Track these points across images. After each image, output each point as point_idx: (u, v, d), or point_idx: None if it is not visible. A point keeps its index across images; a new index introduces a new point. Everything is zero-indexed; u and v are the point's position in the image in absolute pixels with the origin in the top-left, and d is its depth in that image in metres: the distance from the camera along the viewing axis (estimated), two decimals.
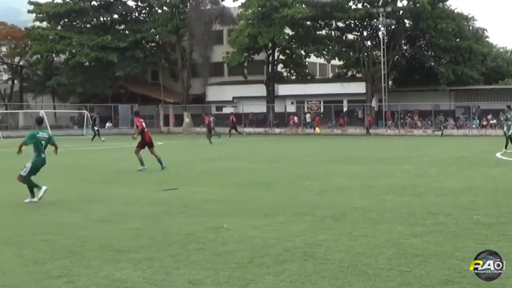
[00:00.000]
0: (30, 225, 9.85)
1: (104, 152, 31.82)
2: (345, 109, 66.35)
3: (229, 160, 25.23)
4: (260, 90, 67.36)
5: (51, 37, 68.16)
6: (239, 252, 7.65)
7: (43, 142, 12.76)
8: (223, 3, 71.67)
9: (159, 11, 72.13)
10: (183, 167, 21.63)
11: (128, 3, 73.82)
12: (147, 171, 19.14)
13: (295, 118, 63.84)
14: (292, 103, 67.94)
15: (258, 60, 66.97)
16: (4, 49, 78.05)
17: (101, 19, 73.07)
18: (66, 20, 71.74)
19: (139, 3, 73.63)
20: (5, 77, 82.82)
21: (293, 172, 19.08)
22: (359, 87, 64.88)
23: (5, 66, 79.57)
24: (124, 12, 73.07)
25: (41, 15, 70.14)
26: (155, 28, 70.01)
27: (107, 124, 68.66)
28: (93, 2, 71.51)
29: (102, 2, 72.01)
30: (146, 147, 20.07)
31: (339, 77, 71.43)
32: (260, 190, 14.27)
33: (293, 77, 71.40)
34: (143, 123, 20.14)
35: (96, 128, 46.44)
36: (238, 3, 67.49)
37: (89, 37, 67.37)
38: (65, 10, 69.14)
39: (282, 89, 67.52)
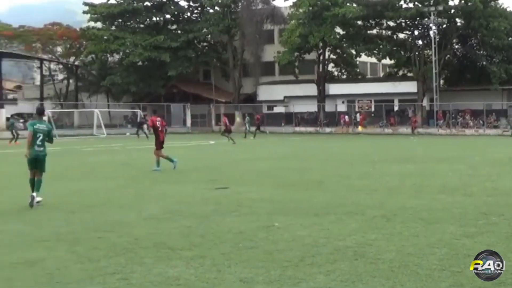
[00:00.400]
0: (84, 223, 9.96)
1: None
2: (396, 108, 65.68)
3: (279, 159, 25.22)
4: (311, 89, 67.18)
5: (105, 37, 69.29)
6: (290, 251, 7.67)
7: (39, 134, 11.91)
8: (274, 2, 72.11)
9: (211, 11, 72.54)
10: (234, 166, 21.73)
11: (180, 3, 74.48)
12: (199, 170, 19.28)
13: (346, 117, 63.48)
14: (342, 102, 67.53)
15: (309, 59, 66.78)
16: (59, 49, 79.73)
17: (154, 19, 73.92)
18: (120, 20, 72.82)
19: (191, 3, 74.16)
20: (61, 76, 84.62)
21: (343, 171, 19.00)
22: (410, 87, 64.12)
23: (61, 66, 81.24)
24: (176, 12, 73.77)
25: (95, 15, 71.40)
26: (207, 28, 70.45)
27: None
28: (146, 3, 72.40)
29: (155, 3, 72.85)
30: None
31: (390, 77, 70.67)
32: (310, 190, 14.24)
33: (344, 77, 71.00)
34: (158, 122, 20.00)
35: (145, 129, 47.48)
36: (289, 3, 67.59)
37: (142, 37, 68.23)
38: (119, 10, 70.21)
39: (333, 89, 67.17)
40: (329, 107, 67.22)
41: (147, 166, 21.04)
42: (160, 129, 19.75)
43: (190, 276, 6.61)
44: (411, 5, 62.34)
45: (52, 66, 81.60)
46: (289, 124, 66.88)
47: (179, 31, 72.69)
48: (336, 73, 71.32)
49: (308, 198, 12.62)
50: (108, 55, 73.32)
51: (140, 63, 70.09)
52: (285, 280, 6.37)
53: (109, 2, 72.13)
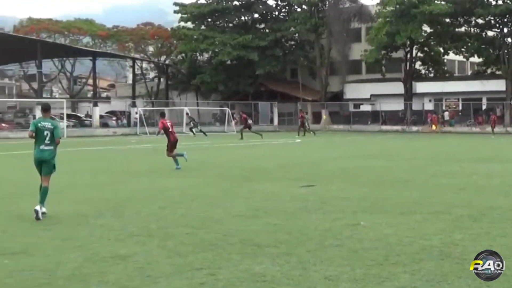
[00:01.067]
0: (173, 219, 10.17)
1: (244, 149, 32.57)
2: (484, 107, 63.83)
3: (365, 157, 25.06)
4: (397, 87, 66.27)
5: (195, 36, 70.48)
6: (375, 249, 7.67)
7: (46, 132, 10.62)
8: (362, 1, 71.20)
9: (299, 9, 72.58)
10: (320, 164, 21.75)
11: (268, 2, 74.88)
12: (286, 167, 19.41)
13: (433, 116, 62.24)
14: (430, 100, 66.27)
15: (395, 57, 65.94)
16: (151, 48, 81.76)
17: (243, 18, 74.66)
18: (209, 20, 73.94)
19: (279, 2, 74.36)
20: (152, 75, 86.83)
21: (430, 170, 18.73)
22: (498, 85, 62.18)
23: (152, 65, 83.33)
24: (264, 11, 74.15)
25: (186, 15, 72.83)
26: (294, 26, 70.55)
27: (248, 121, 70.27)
28: (235, 2, 73.23)
29: (244, 2, 73.48)
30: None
31: (478, 75, 68.68)
32: (396, 188, 14.14)
33: (431, 75, 69.59)
34: (168, 123, 20.14)
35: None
36: (376, 1, 66.87)
37: (231, 36, 68.96)
38: (208, 10, 71.30)
39: (420, 87, 66.04)
40: (416, 105, 66.11)
41: (234, 164, 21.37)
42: (170, 130, 19.84)
43: (276, 273, 6.66)
44: (500, 2, 60.33)
45: (144, 65, 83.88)
46: (375, 123, 66.21)
47: (267, 30, 73.17)
48: (423, 72, 70.00)
49: (394, 197, 12.54)
50: (198, 54, 74.55)
51: (228, 62, 70.92)
52: (369, 279, 6.38)
53: (199, 2, 73.40)
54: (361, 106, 69.40)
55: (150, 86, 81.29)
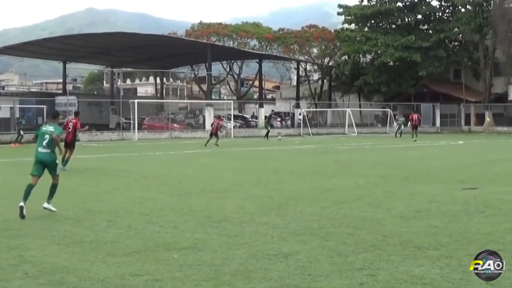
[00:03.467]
0: (335, 219, 10.31)
1: (406, 150, 32.12)
2: None
3: None
4: None
5: (358, 38, 70.22)
6: None
7: (46, 136, 11.48)
8: None
9: (463, 10, 70.21)
10: (483, 166, 21.07)
11: (432, 3, 73.29)
12: (448, 169, 19.00)
13: None
14: None
15: None
16: (315, 50, 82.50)
17: (406, 19, 73.39)
18: (372, 21, 73.43)
19: (443, 3, 72.41)
20: (316, 77, 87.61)
21: None
22: None
23: (316, 67, 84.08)
24: (428, 12, 72.50)
25: (349, 17, 72.78)
26: (458, 27, 68.36)
27: (409, 122, 69.03)
28: (398, 3, 72.16)
29: (407, 3, 72.38)
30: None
31: None
32: None
33: None
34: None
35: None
36: None
37: (394, 37, 68.08)
38: (372, 12, 70.85)
39: None
40: None
41: (396, 165, 21.20)
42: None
43: (436, 276, 6.65)
44: None
45: (308, 67, 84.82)
46: None
47: (430, 31, 71.44)
48: None
49: None
50: (361, 56, 74.24)
51: (391, 63, 70.07)
52: None
53: (362, 4, 73.11)
54: None
55: (314, 87, 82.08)
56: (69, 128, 20.80)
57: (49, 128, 11.74)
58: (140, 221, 10.32)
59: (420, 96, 70.80)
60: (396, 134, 50.73)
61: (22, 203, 10.88)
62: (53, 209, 11.39)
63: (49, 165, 11.54)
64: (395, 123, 55.53)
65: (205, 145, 34.53)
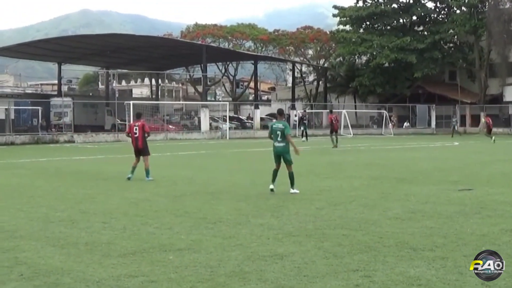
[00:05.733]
0: (331, 220, 10.32)
1: (401, 151, 32.17)
2: None
3: None
4: None
5: (353, 39, 70.33)
6: None
7: (278, 132, 13.92)
8: None
9: (458, 11, 70.49)
10: (478, 167, 21.09)
11: (427, 4, 73.38)
12: (443, 171, 19.03)
13: None
14: None
15: None
16: (310, 51, 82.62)
17: (401, 21, 73.60)
18: (367, 23, 73.56)
19: (438, 4, 72.68)
20: (311, 78, 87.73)
21: None
22: None
23: (311, 68, 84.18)
24: (423, 14, 72.71)
25: (344, 18, 72.89)
26: (453, 28, 68.58)
27: (405, 123, 69.34)
28: (394, 5, 72.24)
29: (402, 5, 72.48)
30: None
31: None
32: None
33: None
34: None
35: None
36: None
37: (389, 39, 68.21)
38: (367, 13, 70.91)
39: None
40: None
41: (391, 166, 21.22)
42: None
43: (432, 277, 6.65)
44: None
45: (303, 68, 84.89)
46: None
47: (425, 33, 71.60)
48: None
49: None
50: (356, 57, 74.35)
51: (386, 64, 70.28)
52: None
53: (357, 5, 73.19)
54: None
55: (309, 89, 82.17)
56: (136, 134, 17.91)
57: (278, 125, 14.04)
58: (135, 222, 10.31)
59: (416, 97, 71.04)
60: (452, 134, 52.54)
61: (271, 186, 14.02)
62: (297, 191, 13.83)
63: (284, 156, 13.98)
64: (453, 124, 55.87)
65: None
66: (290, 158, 14.02)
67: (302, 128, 49.40)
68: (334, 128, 35.68)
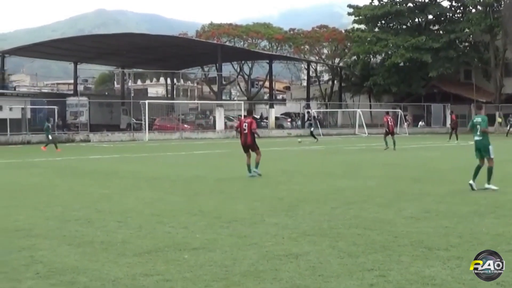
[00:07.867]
0: (345, 219, 10.28)
1: (419, 150, 32.04)
2: None
3: None
4: None
5: (368, 39, 70.20)
6: None
7: (477, 126, 14.11)
8: None
9: (473, 10, 70.19)
10: (497, 166, 20.90)
11: (442, 3, 73.25)
12: (458, 170, 18.92)
13: None
14: None
15: None
16: (325, 51, 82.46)
17: (416, 20, 73.37)
18: (383, 22, 73.45)
19: (453, 3, 72.51)
20: (326, 77, 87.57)
21: None
22: None
23: (326, 67, 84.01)
24: (438, 13, 72.50)
25: (359, 17, 72.76)
26: (468, 27, 68.37)
27: (420, 123, 69.07)
28: (409, 4, 72.09)
29: (418, 4, 72.35)
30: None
31: None
32: None
33: None
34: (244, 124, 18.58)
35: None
36: None
37: (404, 38, 68.04)
38: (382, 12, 70.77)
39: None
40: None
41: (406, 166, 21.14)
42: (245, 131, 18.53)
43: (447, 277, 6.61)
44: None
45: (318, 67, 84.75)
46: None
47: (440, 32, 71.45)
48: None
49: None
50: (371, 56, 74.20)
51: (401, 63, 70.01)
52: None
53: (373, 4, 73.05)
54: None
55: (324, 88, 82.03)
56: (245, 130, 18.09)
57: (477, 119, 14.24)
58: (151, 221, 10.34)
59: (431, 96, 70.73)
60: (507, 133, 52.43)
61: (471, 181, 13.91)
62: (495, 187, 13.82)
63: (483, 150, 14.04)
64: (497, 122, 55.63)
65: None
66: (490, 152, 14.05)
67: (311, 129, 48.73)
68: (389, 130, 34.30)
